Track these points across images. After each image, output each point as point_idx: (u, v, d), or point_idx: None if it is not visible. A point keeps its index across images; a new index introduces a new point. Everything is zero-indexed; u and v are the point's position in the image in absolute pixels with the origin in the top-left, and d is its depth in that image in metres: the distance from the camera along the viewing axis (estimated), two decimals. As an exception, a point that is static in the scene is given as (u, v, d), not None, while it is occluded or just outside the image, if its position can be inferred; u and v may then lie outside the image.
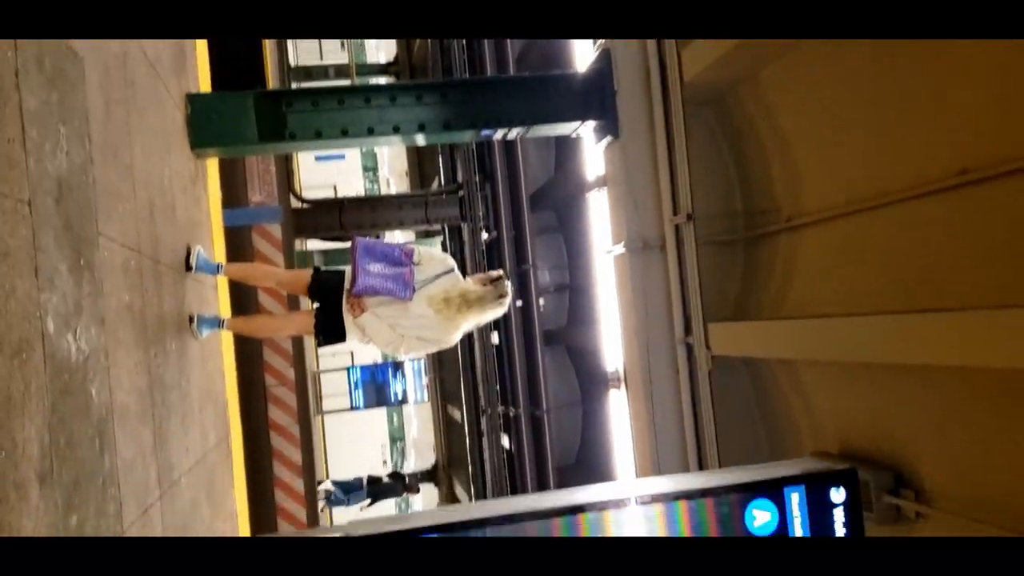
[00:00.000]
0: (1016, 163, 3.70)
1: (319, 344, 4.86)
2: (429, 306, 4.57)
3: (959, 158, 4.05)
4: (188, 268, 4.92)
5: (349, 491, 17.44)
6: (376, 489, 17.91)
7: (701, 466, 5.90)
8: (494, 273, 4.76)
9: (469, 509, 3.16)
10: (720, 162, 6.34)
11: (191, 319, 4.85)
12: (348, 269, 4.71)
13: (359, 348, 7.21)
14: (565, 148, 11.61)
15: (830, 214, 5.22)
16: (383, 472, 21.18)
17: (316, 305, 4.81)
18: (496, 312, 4.71)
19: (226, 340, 6.45)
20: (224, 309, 6.39)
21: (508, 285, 4.71)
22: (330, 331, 4.72)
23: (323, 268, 4.97)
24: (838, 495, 3.09)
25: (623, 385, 7.33)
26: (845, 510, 3.10)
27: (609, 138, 6.68)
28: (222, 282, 6.19)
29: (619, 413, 7.78)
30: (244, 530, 6.54)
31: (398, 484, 18.80)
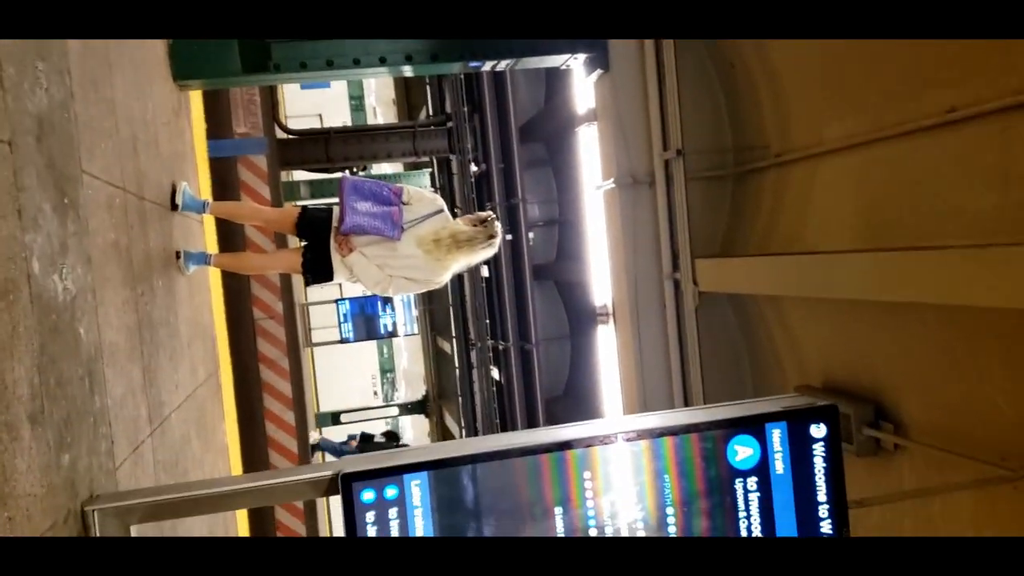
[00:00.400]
0: (1002, 101, 3.69)
1: (307, 283, 4.85)
2: (418, 247, 4.55)
3: (948, 96, 4.03)
4: (174, 207, 4.88)
5: (340, 453, 17.54)
6: (368, 448, 18.00)
7: (687, 401, 5.99)
8: (483, 214, 4.74)
9: (458, 446, 3.20)
10: (710, 97, 6.29)
11: (178, 255, 4.84)
12: (336, 207, 4.68)
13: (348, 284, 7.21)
14: (555, 80, 11.46)
15: (819, 150, 5.21)
16: (377, 431, 21.35)
17: (303, 243, 4.79)
18: (486, 253, 4.70)
19: (213, 275, 6.44)
20: (211, 244, 6.37)
21: (498, 226, 4.70)
22: (318, 270, 4.71)
23: (310, 206, 4.94)
24: (818, 431, 3.14)
25: (611, 320, 7.39)
26: (825, 445, 3.15)
27: (599, 71, 6.61)
28: (208, 218, 6.16)
29: (607, 348, 7.86)
30: (235, 464, 6.63)
31: (391, 444, 18.93)
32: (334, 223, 4.60)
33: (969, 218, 3.92)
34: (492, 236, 4.63)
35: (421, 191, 4.80)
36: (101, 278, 3.24)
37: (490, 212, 4.86)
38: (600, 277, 7.96)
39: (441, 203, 4.75)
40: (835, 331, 5.13)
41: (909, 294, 4.04)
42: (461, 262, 4.70)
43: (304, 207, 4.88)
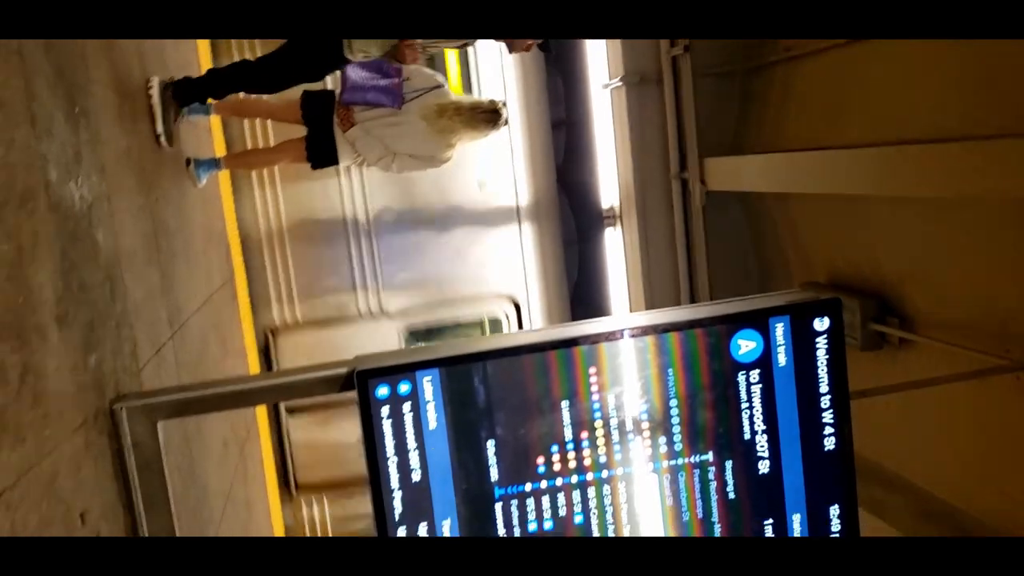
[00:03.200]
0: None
1: (313, 167, 4.89)
2: (421, 118, 4.56)
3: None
4: (180, 112, 4.88)
5: None
6: None
7: (693, 300, 6.08)
8: (487, 101, 4.76)
9: (468, 344, 3.30)
10: (719, -9, 6.16)
11: (188, 162, 4.87)
12: (338, 90, 4.72)
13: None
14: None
15: (828, 44, 5.14)
16: None
17: (306, 132, 4.82)
18: (490, 131, 4.72)
19: (224, 182, 6.48)
20: (219, 148, 6.39)
21: (504, 108, 4.72)
22: (321, 153, 4.74)
23: (312, 89, 4.94)
24: (821, 324, 3.21)
25: (618, 223, 7.42)
26: (828, 338, 3.22)
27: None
28: (215, 121, 6.16)
29: (614, 251, 7.91)
30: (253, 366, 6.80)
31: None
32: (337, 99, 4.66)
33: (975, 110, 3.90)
34: (495, 111, 4.65)
35: (419, 67, 4.78)
36: (115, 185, 3.29)
37: (494, 99, 4.88)
38: (607, 179, 7.95)
39: (441, 79, 4.75)
40: (841, 227, 5.16)
41: (914, 188, 4.06)
42: (465, 138, 4.71)
43: (306, 91, 4.88)
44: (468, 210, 7.82)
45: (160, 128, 4.22)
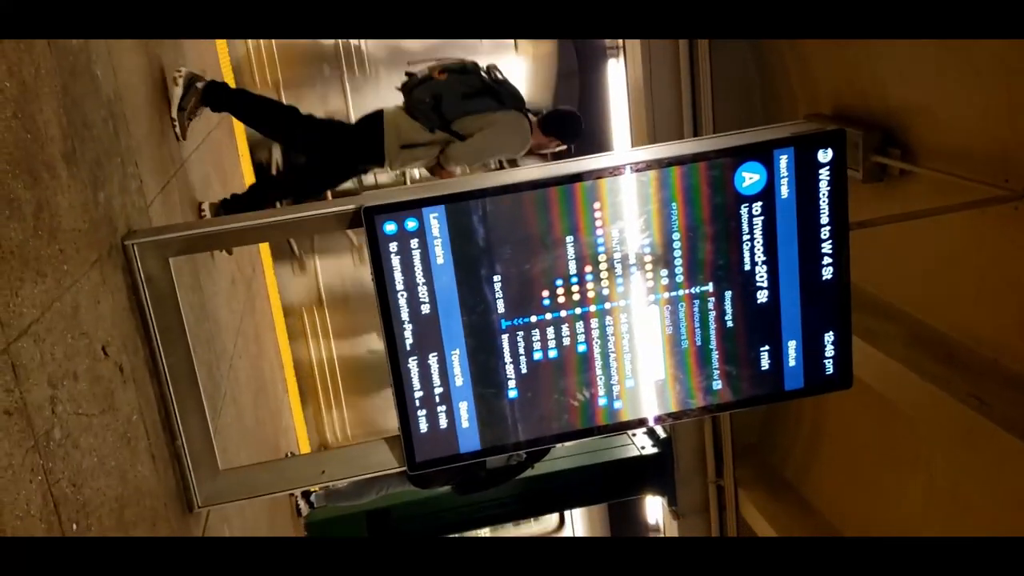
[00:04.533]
0: None
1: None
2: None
3: None
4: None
5: None
6: None
7: (697, 134, 6.02)
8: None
9: (472, 180, 3.31)
10: None
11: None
12: None
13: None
14: None
15: None
16: None
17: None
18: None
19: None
20: None
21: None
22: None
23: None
24: (825, 156, 3.21)
25: (621, 53, 7.25)
26: (830, 170, 3.23)
27: None
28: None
29: (617, 83, 7.75)
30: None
31: None
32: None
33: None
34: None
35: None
36: (108, 19, 3.21)
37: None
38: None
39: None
40: (847, 57, 5.06)
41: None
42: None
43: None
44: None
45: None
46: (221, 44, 6.60)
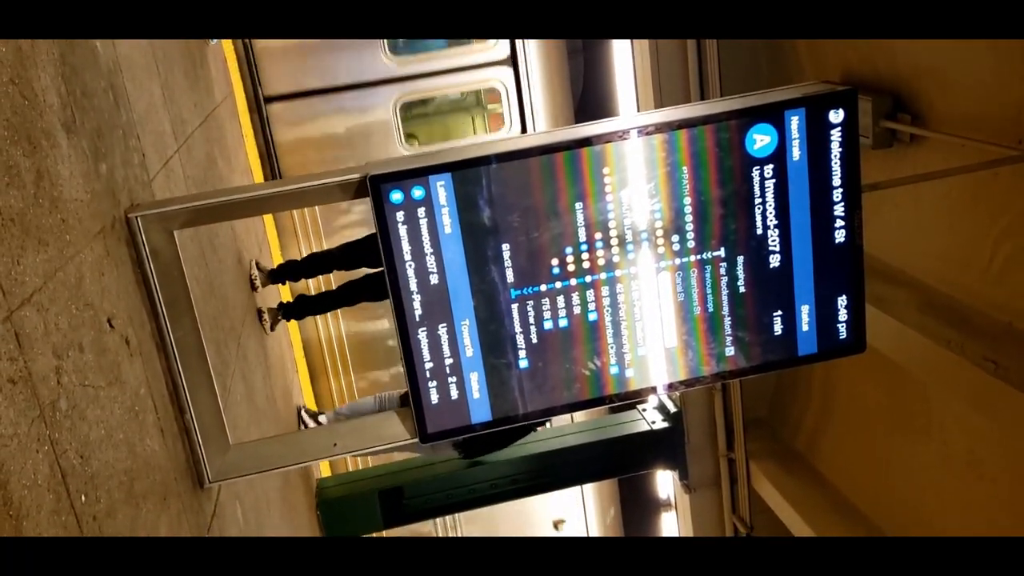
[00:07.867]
0: None
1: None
2: None
3: None
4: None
5: None
6: None
7: (704, 98, 5.94)
8: None
9: (478, 147, 3.27)
10: None
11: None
12: None
13: None
14: None
15: None
16: None
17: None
18: None
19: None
20: None
21: None
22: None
23: None
24: (836, 116, 3.15)
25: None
26: (842, 130, 3.17)
27: None
28: None
29: (621, 53, 7.65)
30: (259, 178, 6.77)
31: None
32: None
33: None
34: None
35: None
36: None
37: None
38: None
39: None
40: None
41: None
42: None
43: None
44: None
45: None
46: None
